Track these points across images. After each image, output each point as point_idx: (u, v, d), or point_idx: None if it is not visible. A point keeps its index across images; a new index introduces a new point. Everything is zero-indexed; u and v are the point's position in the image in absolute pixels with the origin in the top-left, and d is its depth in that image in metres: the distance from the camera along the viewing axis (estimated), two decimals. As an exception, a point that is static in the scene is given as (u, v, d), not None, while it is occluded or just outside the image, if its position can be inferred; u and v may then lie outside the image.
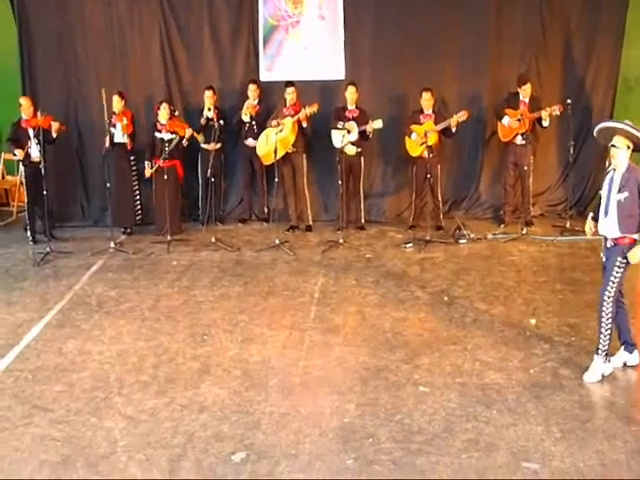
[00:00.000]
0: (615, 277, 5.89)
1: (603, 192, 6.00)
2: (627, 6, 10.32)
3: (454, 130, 9.73)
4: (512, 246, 9.37)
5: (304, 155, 10.13)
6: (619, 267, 5.89)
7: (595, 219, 6.15)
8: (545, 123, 9.84)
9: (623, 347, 6.17)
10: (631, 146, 5.81)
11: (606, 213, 5.94)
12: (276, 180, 9.68)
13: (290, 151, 9.90)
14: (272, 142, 9.70)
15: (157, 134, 9.93)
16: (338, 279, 8.32)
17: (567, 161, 10.22)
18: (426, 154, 9.54)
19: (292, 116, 9.87)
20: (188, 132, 9.86)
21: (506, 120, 9.93)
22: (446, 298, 7.72)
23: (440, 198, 10.07)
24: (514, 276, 8.34)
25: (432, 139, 9.67)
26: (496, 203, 10.60)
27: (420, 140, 9.72)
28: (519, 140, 9.89)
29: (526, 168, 9.83)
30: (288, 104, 10.03)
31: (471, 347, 6.56)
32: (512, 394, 5.73)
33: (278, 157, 9.63)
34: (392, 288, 8.03)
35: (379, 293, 7.89)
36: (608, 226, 5.93)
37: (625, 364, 6.16)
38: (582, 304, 7.48)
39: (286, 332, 6.93)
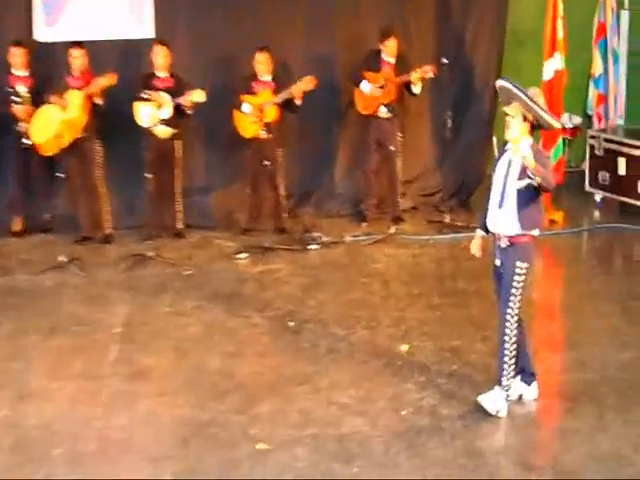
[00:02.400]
0: (517, 288, 6.04)
1: (496, 177, 6.14)
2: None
3: (299, 102, 9.81)
4: (377, 250, 9.55)
5: (98, 141, 9.95)
6: (519, 275, 6.04)
7: (486, 230, 6.26)
8: (416, 89, 10.09)
9: (520, 376, 6.36)
10: (530, 118, 5.95)
11: (500, 204, 6.07)
12: (61, 176, 9.51)
13: (81, 136, 9.70)
14: (55, 125, 9.53)
15: None
16: (148, 306, 8.26)
17: (444, 138, 10.51)
18: (263, 134, 9.58)
19: (80, 89, 9.67)
20: None
21: (365, 86, 10.11)
22: (292, 323, 7.77)
23: (282, 192, 10.15)
24: (380, 290, 8.51)
25: (270, 114, 9.72)
26: (355, 195, 10.77)
27: (254, 115, 9.73)
28: (383, 112, 10.10)
29: (392, 148, 10.05)
30: (75, 72, 9.83)
31: (325, 386, 6.62)
32: (379, 444, 5.81)
33: (64, 145, 9.49)
34: (220, 314, 8.02)
35: (203, 321, 7.88)
36: (503, 221, 6.06)
37: (521, 397, 6.36)
38: (466, 321, 7.69)
39: (76, 382, 6.81)
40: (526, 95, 5.89)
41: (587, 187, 11.13)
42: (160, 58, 9.90)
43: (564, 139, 11.10)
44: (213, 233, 10.31)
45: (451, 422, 6.05)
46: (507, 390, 6.15)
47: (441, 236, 9.89)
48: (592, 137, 11.14)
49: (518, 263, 6.03)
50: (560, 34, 10.25)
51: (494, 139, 10.81)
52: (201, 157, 10.78)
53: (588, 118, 12.16)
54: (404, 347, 7.23)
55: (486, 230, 6.28)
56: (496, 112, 10.36)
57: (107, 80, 9.57)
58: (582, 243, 10.12)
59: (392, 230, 9.89)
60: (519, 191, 5.98)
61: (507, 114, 5.99)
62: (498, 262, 6.17)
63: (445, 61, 10.10)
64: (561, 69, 10.29)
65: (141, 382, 6.78)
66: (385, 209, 10.46)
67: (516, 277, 6.04)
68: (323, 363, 6.99)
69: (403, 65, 10.13)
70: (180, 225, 10.25)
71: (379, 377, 6.73)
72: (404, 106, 10.47)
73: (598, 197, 11.04)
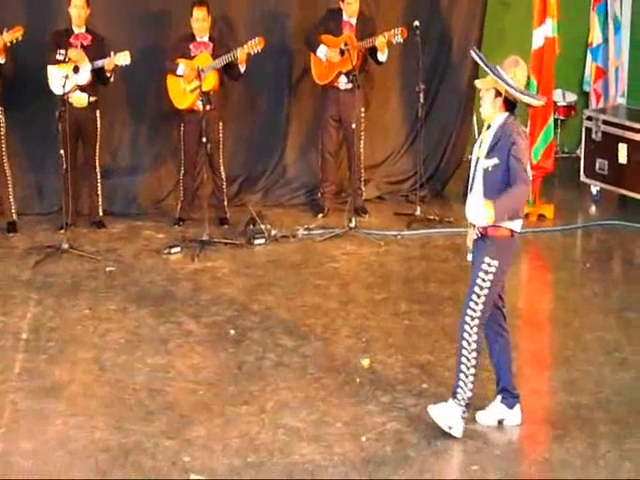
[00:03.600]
0: (481, 287, 6.13)
1: (473, 158, 6.28)
2: None
3: (243, 68, 9.82)
4: (335, 247, 9.60)
5: (0, 109, 9.84)
6: (486, 272, 6.12)
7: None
8: (382, 56, 10.12)
9: (500, 397, 6.45)
10: (503, 93, 6.06)
11: (471, 189, 6.21)
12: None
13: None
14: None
15: None
16: (61, 308, 8.23)
17: (416, 114, 10.54)
18: (200, 105, 9.59)
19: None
20: None
21: (323, 51, 10.13)
22: (233, 332, 7.80)
23: (223, 175, 10.16)
24: (338, 293, 8.56)
25: (209, 82, 9.71)
26: (310, 181, 10.83)
27: (191, 82, 9.73)
28: (343, 83, 10.12)
29: (354, 126, 10.05)
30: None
31: (272, 407, 6.65)
32: (334, 476, 5.85)
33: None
34: (148, 319, 8.03)
35: (127, 328, 7.88)
36: (474, 208, 6.15)
37: (501, 422, 6.45)
38: (439, 332, 7.77)
39: (-28, 398, 6.78)
40: (492, 71, 6.01)
41: (582, 177, 11.11)
42: (77, 10, 9.79)
43: (556, 119, 11.20)
44: (140, 222, 10.31)
45: (419, 451, 6.12)
46: (463, 405, 6.21)
47: (411, 231, 9.95)
48: (589, 118, 11.07)
49: (487, 259, 6.11)
50: (552, -5, 10.31)
51: (474, 118, 10.90)
52: (126, 131, 10.73)
53: (584, 95, 12.27)
54: (365, 362, 7.28)
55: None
56: (476, 85, 10.43)
57: (12, 35, 9.49)
58: (575, 242, 10.16)
59: (353, 223, 9.90)
60: (485, 171, 6.09)
61: (479, 88, 6.19)
62: (470, 257, 6.29)
63: (417, 24, 10.10)
64: (553, 36, 10.25)
65: (51, 399, 6.76)
66: (345, 198, 10.50)
67: (481, 274, 6.12)
68: (269, 379, 7.03)
69: (367, 28, 10.16)
70: (100, 212, 10.22)
71: (335, 396, 6.78)
72: (368, 76, 10.52)
73: (595, 189, 11.02)
